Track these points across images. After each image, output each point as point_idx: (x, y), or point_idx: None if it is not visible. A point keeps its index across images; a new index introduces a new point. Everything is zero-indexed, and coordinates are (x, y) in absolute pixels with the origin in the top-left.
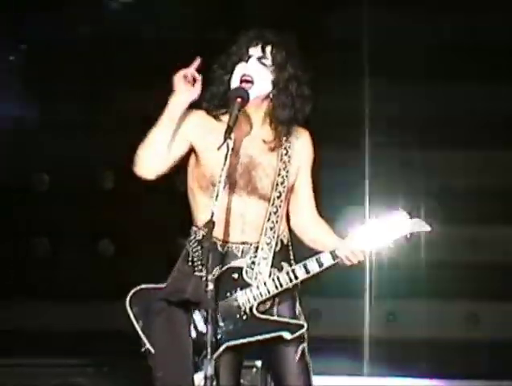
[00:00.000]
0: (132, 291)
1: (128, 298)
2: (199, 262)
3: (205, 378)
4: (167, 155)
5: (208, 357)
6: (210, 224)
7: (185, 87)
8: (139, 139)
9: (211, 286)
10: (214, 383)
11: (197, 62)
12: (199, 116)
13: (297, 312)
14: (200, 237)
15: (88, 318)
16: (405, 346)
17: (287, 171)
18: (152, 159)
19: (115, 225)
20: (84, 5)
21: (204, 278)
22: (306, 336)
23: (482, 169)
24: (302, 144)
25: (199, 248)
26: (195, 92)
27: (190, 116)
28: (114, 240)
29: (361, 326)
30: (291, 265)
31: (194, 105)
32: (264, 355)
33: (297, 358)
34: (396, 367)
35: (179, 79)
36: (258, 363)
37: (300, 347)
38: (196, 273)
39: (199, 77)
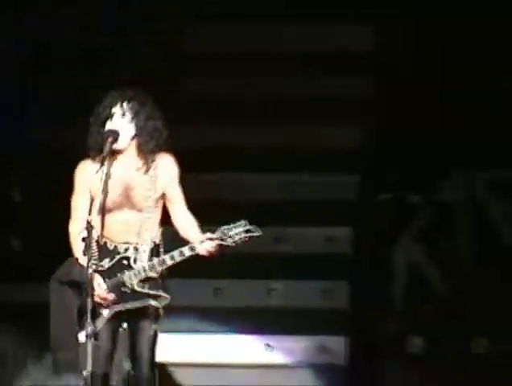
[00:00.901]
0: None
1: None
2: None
3: (86, 336)
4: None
5: (89, 321)
6: (89, 229)
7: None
8: None
9: (90, 270)
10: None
11: None
12: (85, 168)
13: (162, 290)
14: (86, 236)
15: None
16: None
17: (155, 187)
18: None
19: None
20: None
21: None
22: (161, 315)
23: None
24: (165, 165)
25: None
26: None
27: (80, 175)
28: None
29: (191, 298)
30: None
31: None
32: (130, 325)
33: (151, 331)
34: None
35: None
36: (125, 325)
37: (154, 326)
38: (82, 262)
39: None
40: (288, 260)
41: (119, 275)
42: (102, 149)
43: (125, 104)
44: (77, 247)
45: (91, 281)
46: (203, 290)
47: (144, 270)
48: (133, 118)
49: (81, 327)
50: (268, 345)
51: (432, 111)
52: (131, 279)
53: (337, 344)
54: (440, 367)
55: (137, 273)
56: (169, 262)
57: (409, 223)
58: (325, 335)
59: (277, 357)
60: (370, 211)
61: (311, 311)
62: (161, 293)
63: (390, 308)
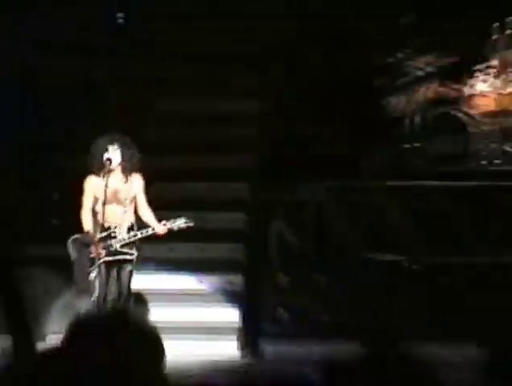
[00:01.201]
0: (71, 238)
1: (70, 241)
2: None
3: (94, 276)
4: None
5: (95, 267)
6: (95, 217)
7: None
8: None
9: (95, 238)
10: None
11: None
12: (91, 179)
13: (136, 251)
14: (93, 221)
15: None
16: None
17: (130, 192)
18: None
19: None
20: None
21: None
22: (134, 262)
23: None
24: (136, 180)
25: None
26: None
27: (88, 184)
28: None
29: (156, 253)
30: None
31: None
32: (117, 272)
33: (128, 271)
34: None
35: None
36: (114, 274)
37: (129, 268)
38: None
39: None
40: (212, 232)
41: (109, 241)
42: (101, 169)
43: (115, 144)
44: (88, 227)
45: (96, 244)
46: (163, 249)
47: (124, 239)
48: (120, 152)
49: (91, 270)
50: (200, 280)
51: (293, 145)
52: (116, 243)
53: (238, 279)
54: (297, 291)
55: (119, 240)
56: (139, 235)
57: (279, 212)
58: (231, 274)
59: (205, 287)
60: (257, 205)
61: (225, 261)
62: (132, 251)
63: (267, 258)
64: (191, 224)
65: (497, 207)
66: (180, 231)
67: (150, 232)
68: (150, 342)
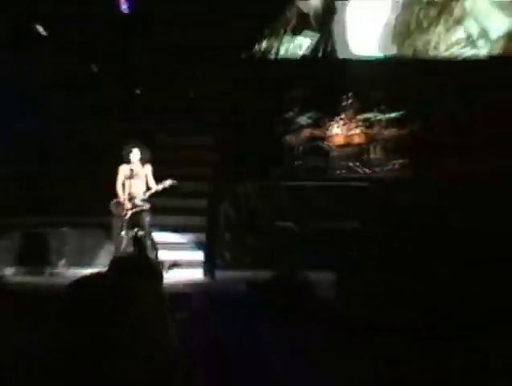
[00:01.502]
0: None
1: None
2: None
3: (121, 227)
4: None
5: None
6: (128, 192)
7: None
8: None
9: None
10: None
11: None
12: (122, 166)
13: (148, 205)
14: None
15: None
16: None
17: (144, 173)
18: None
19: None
20: None
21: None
22: (149, 212)
23: None
24: (148, 167)
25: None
26: None
27: (121, 169)
28: None
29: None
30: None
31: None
32: (139, 220)
33: (146, 220)
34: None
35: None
36: (140, 233)
37: (148, 218)
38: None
39: None
40: (191, 210)
41: (133, 200)
42: (129, 161)
43: (137, 147)
44: (120, 193)
45: (125, 202)
46: (167, 219)
47: (140, 198)
48: (139, 150)
49: (124, 218)
50: (184, 237)
51: (236, 163)
52: (136, 201)
53: (203, 236)
54: (235, 244)
55: (138, 199)
56: (147, 195)
57: (226, 199)
58: (200, 233)
59: (186, 240)
60: (214, 195)
61: (197, 226)
62: (146, 205)
63: (219, 225)
64: (176, 183)
65: (342, 195)
66: (176, 211)
67: (153, 191)
68: (156, 270)
